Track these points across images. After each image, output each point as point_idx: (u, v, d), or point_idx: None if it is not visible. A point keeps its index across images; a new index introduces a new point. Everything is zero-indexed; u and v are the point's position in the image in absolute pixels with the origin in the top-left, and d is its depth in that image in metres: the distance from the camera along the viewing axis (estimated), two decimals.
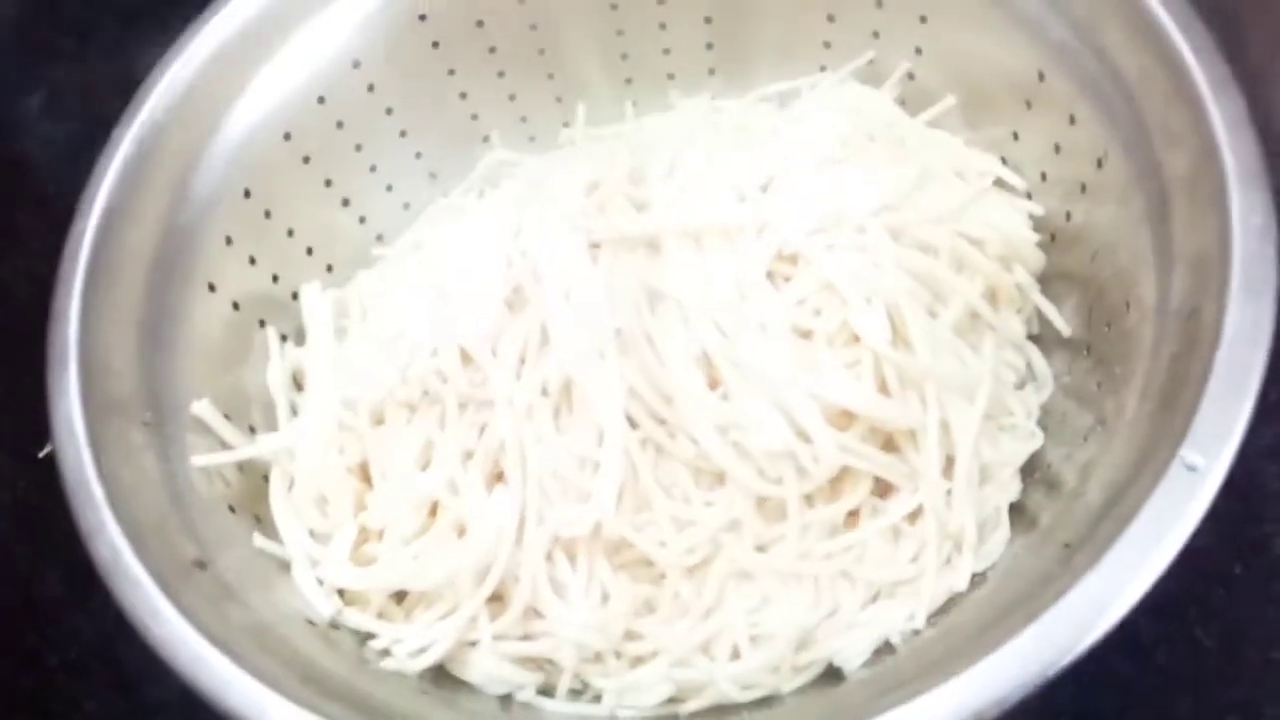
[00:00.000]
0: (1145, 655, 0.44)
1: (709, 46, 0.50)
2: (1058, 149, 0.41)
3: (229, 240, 0.42)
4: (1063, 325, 0.40)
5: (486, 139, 0.51)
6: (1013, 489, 0.37)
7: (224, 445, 0.39)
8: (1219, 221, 0.31)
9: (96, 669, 0.48)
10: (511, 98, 0.50)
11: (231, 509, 0.38)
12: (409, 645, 0.36)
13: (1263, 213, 0.31)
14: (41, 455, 0.51)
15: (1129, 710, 0.43)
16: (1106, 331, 0.37)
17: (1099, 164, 0.38)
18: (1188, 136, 0.33)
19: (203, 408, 0.39)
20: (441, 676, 0.36)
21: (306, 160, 0.45)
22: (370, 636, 0.37)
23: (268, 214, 0.44)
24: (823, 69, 0.49)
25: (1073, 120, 0.39)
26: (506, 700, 0.36)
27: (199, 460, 0.38)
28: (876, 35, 0.46)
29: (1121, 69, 0.37)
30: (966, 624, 0.32)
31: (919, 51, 0.46)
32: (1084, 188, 0.39)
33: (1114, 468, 0.31)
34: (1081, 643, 0.26)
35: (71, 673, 0.48)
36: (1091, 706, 0.43)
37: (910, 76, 0.46)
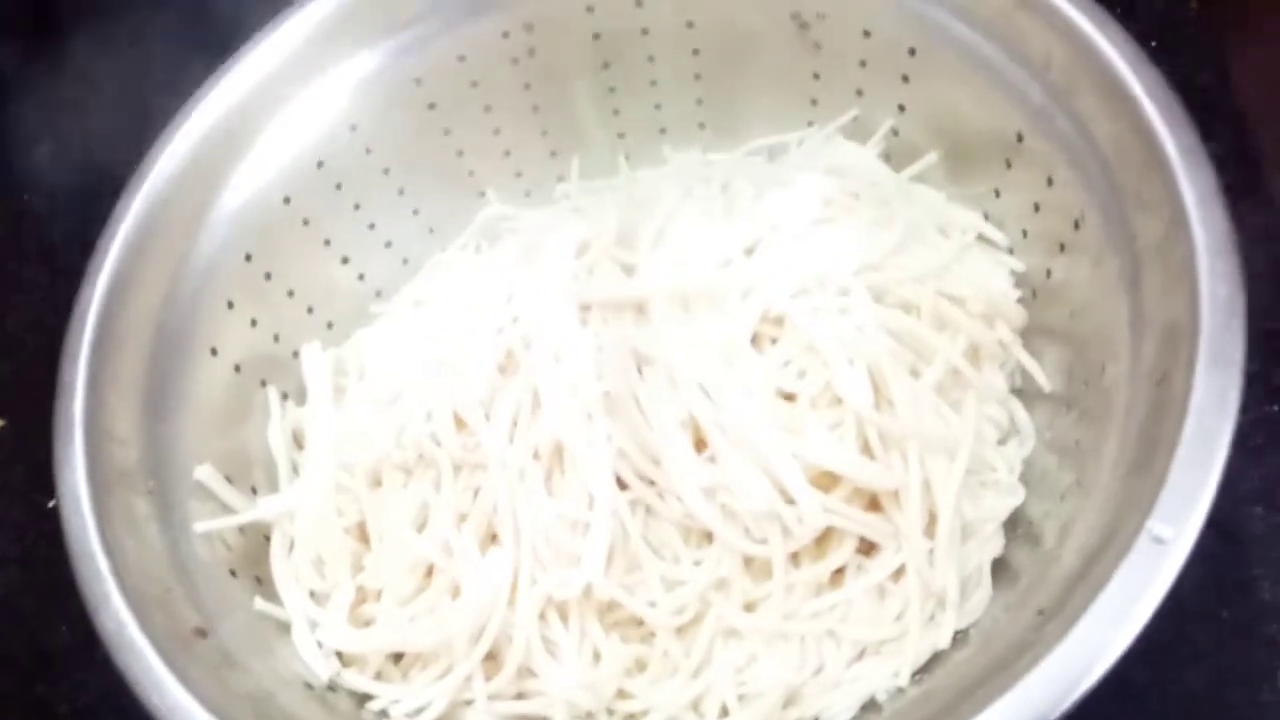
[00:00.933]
0: (1137, 700, 0.45)
1: (699, 102, 0.51)
2: (1037, 208, 0.41)
3: (230, 304, 0.43)
4: (1044, 380, 0.41)
5: (483, 194, 0.52)
6: (995, 544, 0.38)
7: (226, 509, 0.40)
8: (1188, 290, 0.32)
9: (105, 716, 0.49)
10: (506, 154, 0.52)
11: (233, 573, 0.39)
12: (406, 706, 0.37)
13: (1230, 284, 0.32)
14: (51, 505, 0.53)
15: None
16: (1085, 389, 0.38)
17: (1076, 225, 0.39)
18: (1159, 205, 0.34)
19: (205, 473, 0.40)
20: None
21: (306, 222, 0.47)
22: (368, 698, 0.37)
23: (268, 276, 0.45)
24: (810, 124, 0.50)
25: (1051, 181, 0.40)
26: None
27: (202, 526, 0.39)
28: (860, 93, 0.47)
29: (1096, 135, 0.37)
30: (948, 686, 0.33)
31: (902, 109, 0.47)
32: (1063, 247, 0.40)
33: (1088, 531, 0.32)
34: (1054, 712, 0.27)
35: None
36: None
37: (894, 133, 0.47)
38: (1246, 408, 0.49)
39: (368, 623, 0.39)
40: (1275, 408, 0.50)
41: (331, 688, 0.38)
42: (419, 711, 0.36)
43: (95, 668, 0.51)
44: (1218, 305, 0.31)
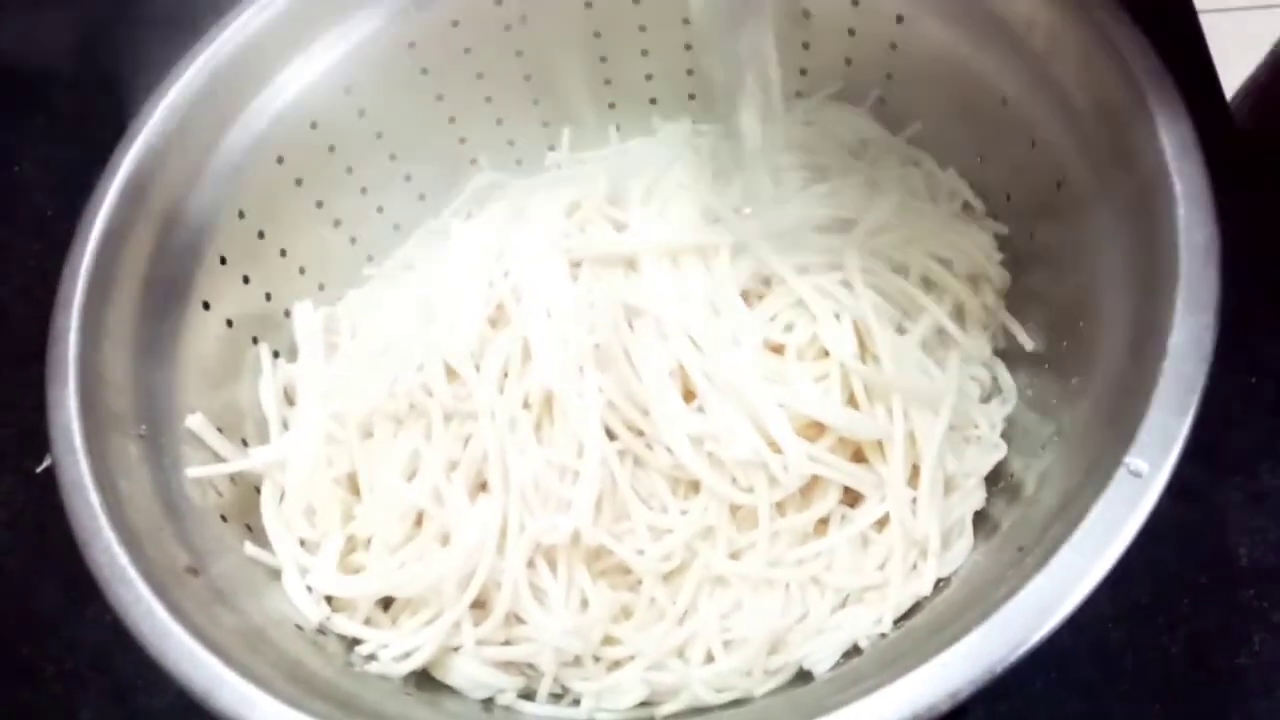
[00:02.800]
0: (1114, 663, 0.45)
1: (689, 73, 0.52)
2: (1020, 171, 0.42)
3: (223, 260, 0.44)
4: (1026, 340, 0.41)
5: (474, 162, 0.52)
6: (977, 498, 0.39)
7: (217, 457, 0.40)
8: (1166, 240, 0.33)
9: (92, 679, 0.49)
10: (499, 122, 0.52)
11: (224, 518, 0.39)
12: (394, 650, 0.37)
13: (1206, 231, 0.32)
14: (40, 470, 0.53)
15: (1098, 716, 0.44)
16: (1065, 346, 0.38)
17: (1058, 186, 0.40)
18: (1139, 160, 0.35)
19: (197, 422, 0.40)
20: (425, 680, 0.37)
21: (299, 183, 0.47)
22: (357, 641, 0.38)
23: (261, 235, 0.46)
24: (799, 94, 0.50)
25: (1033, 144, 0.41)
26: (488, 703, 0.37)
27: (193, 472, 0.39)
28: (849, 62, 0.48)
29: (1077, 95, 0.38)
30: (928, 624, 0.33)
31: (889, 77, 0.47)
32: (1045, 208, 0.41)
33: (1067, 475, 0.32)
34: (1028, 641, 0.27)
35: (68, 683, 0.49)
36: (1060, 712, 0.45)
37: (882, 101, 0.48)
38: (1225, 378, 0.51)
39: (357, 570, 0.39)
40: (1254, 379, 0.51)
41: (321, 631, 0.38)
42: (407, 656, 0.37)
43: (81, 629, 0.51)
44: (1195, 252, 0.32)
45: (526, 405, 0.39)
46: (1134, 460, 0.29)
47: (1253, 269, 0.53)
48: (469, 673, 0.37)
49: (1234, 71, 0.65)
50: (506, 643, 0.37)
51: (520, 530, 0.37)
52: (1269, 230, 0.54)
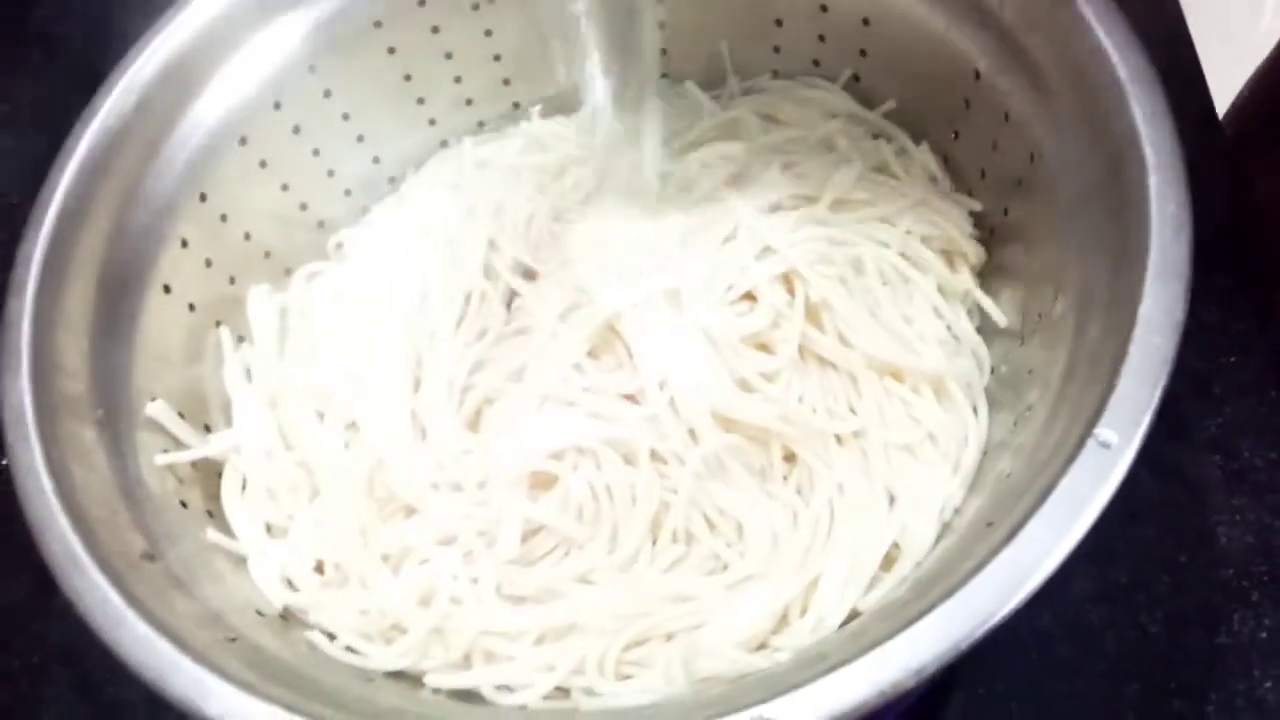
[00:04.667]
0: (1094, 641, 0.45)
1: (664, 52, 0.51)
2: (995, 146, 0.42)
3: (185, 243, 0.43)
4: (1000, 316, 0.41)
5: (444, 143, 0.52)
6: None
7: (177, 443, 0.40)
8: (1137, 210, 0.32)
9: (58, 672, 0.49)
10: (468, 102, 0.51)
11: (183, 504, 0.38)
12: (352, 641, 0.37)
13: (1177, 201, 0.32)
14: (4, 463, 0.52)
15: (1078, 695, 0.44)
16: (1038, 321, 0.38)
17: (1031, 159, 0.39)
18: (1110, 130, 0.34)
19: (158, 409, 0.40)
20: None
21: (263, 165, 0.46)
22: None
23: (224, 218, 0.45)
24: (774, 73, 0.50)
25: (1007, 118, 0.40)
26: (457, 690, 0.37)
27: (161, 459, 0.39)
28: (823, 39, 0.48)
29: (1049, 67, 0.38)
30: (896, 601, 0.33)
31: (863, 54, 0.47)
32: (1019, 183, 0.40)
33: (1035, 447, 0.32)
34: (995, 616, 0.27)
35: (33, 677, 0.49)
36: (1041, 690, 0.44)
37: (856, 78, 0.48)
38: (1206, 357, 0.51)
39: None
40: (1234, 358, 0.51)
41: (283, 616, 0.37)
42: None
43: (48, 622, 0.50)
44: (1166, 221, 0.31)
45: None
46: (1103, 431, 0.28)
47: (1234, 251, 0.53)
48: None
49: (1215, 48, 0.65)
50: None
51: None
52: (1250, 212, 0.54)
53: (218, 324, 0.44)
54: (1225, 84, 0.64)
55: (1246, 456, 0.48)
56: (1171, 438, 0.49)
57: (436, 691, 0.36)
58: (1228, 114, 0.66)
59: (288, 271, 0.48)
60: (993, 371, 0.41)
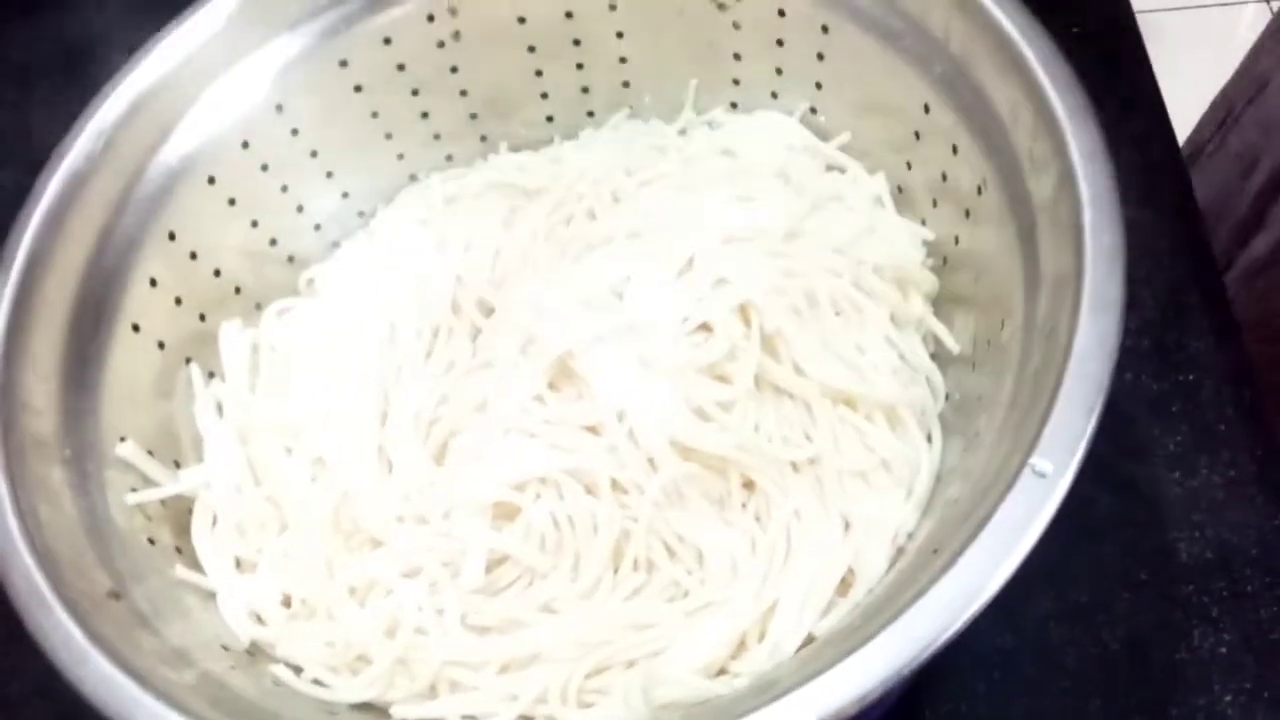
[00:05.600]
0: (1055, 659, 0.46)
1: (625, 85, 0.52)
2: (945, 177, 0.43)
3: (154, 282, 0.44)
4: (953, 344, 0.42)
5: (413, 177, 0.53)
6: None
7: (147, 480, 0.40)
8: (1074, 243, 0.33)
9: (37, 705, 0.49)
10: (436, 137, 0.52)
11: (151, 541, 0.39)
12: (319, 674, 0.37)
13: (1113, 233, 0.33)
14: None
15: (1041, 713, 0.45)
16: (988, 348, 0.39)
17: (979, 190, 0.40)
18: (1050, 164, 0.35)
19: (127, 450, 0.40)
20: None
21: (232, 203, 0.47)
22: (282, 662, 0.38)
23: (193, 255, 0.45)
24: (733, 105, 0.51)
25: (955, 150, 0.41)
26: None
27: (132, 498, 0.39)
28: (780, 72, 0.49)
29: (993, 101, 0.39)
30: (845, 628, 0.34)
31: (819, 86, 0.48)
32: (968, 213, 0.41)
33: (983, 474, 0.33)
34: (936, 642, 0.27)
35: (10, 711, 0.49)
36: (1003, 708, 0.45)
37: (813, 110, 0.49)
38: (1164, 377, 0.52)
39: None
40: (1191, 376, 0.52)
41: (250, 652, 0.38)
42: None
43: (24, 656, 0.51)
44: (1100, 253, 0.32)
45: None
46: (1039, 461, 0.29)
47: (1190, 272, 0.54)
48: None
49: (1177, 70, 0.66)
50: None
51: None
52: (1200, 234, 0.55)
53: (188, 361, 0.45)
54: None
55: (1205, 474, 0.49)
56: (1130, 456, 0.50)
57: None
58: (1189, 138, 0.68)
59: (258, 306, 0.48)
60: (947, 398, 0.41)
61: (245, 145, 0.47)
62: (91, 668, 0.31)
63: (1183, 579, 0.47)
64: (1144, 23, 0.62)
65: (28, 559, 0.33)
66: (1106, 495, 0.48)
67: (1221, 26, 1.34)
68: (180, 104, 0.45)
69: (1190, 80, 0.75)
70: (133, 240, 0.43)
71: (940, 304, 0.43)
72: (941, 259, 0.44)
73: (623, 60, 0.51)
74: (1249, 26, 1.32)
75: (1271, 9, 1.31)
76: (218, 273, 0.47)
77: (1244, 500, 0.48)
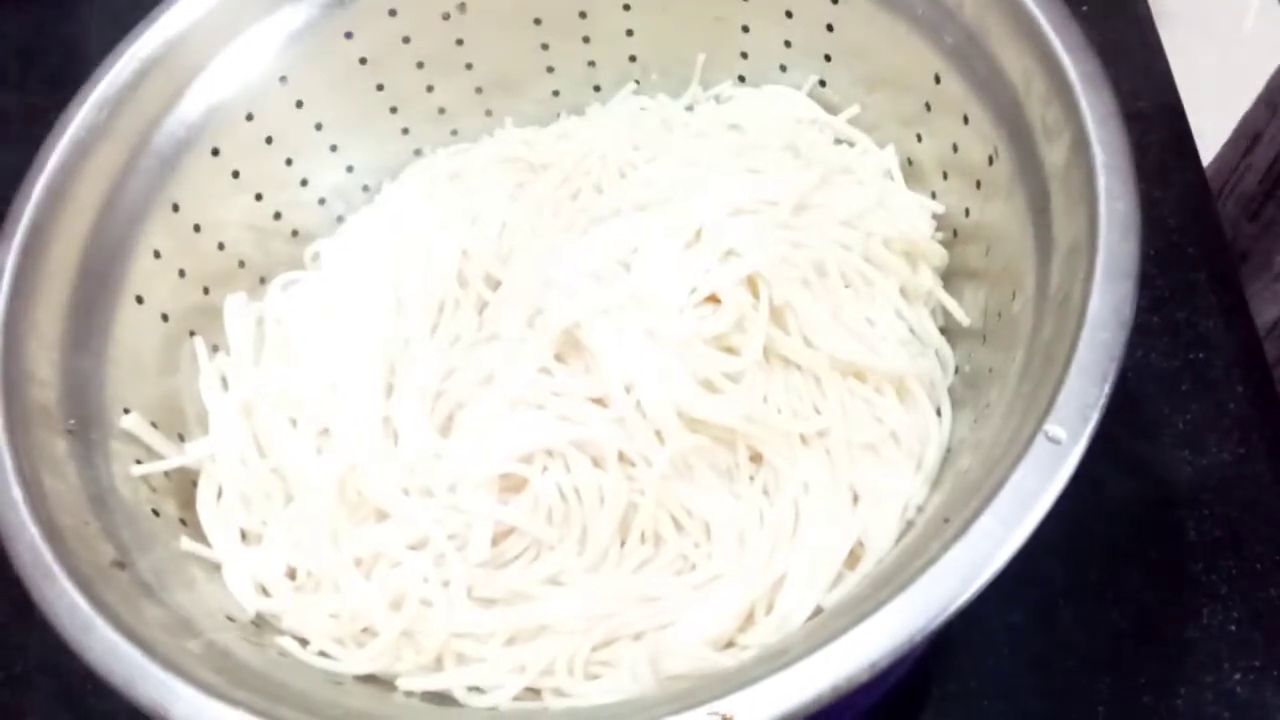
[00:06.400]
0: (1064, 637, 0.45)
1: (632, 59, 0.52)
2: (955, 148, 0.42)
3: (157, 254, 0.43)
4: (963, 317, 0.41)
5: (418, 151, 0.52)
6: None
7: (151, 452, 0.40)
8: (1088, 210, 0.33)
9: (41, 683, 0.49)
10: (441, 111, 0.52)
11: (155, 512, 0.38)
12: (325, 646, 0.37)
13: (1126, 200, 0.32)
14: None
15: (1049, 691, 0.45)
16: (998, 320, 0.38)
17: (990, 161, 0.40)
18: (1062, 131, 0.35)
19: (132, 421, 0.40)
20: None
21: (236, 175, 0.47)
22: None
23: (197, 228, 0.45)
24: (741, 79, 0.50)
25: (966, 120, 0.41)
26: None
27: (137, 470, 0.39)
28: (789, 44, 0.48)
29: (1005, 69, 0.38)
30: (855, 597, 0.33)
31: (828, 59, 0.47)
32: (979, 184, 0.41)
33: (994, 444, 0.32)
34: (948, 609, 0.27)
35: (16, 687, 0.49)
36: (1012, 686, 0.45)
37: (822, 83, 0.48)
38: (1174, 355, 0.51)
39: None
40: (1201, 355, 0.51)
41: (255, 623, 0.38)
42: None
43: (30, 634, 0.51)
44: (1115, 220, 0.32)
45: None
46: (1052, 427, 0.29)
47: (1201, 249, 0.54)
48: None
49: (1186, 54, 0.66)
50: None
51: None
52: (1212, 213, 0.54)
53: (191, 334, 0.45)
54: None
55: (1214, 452, 0.49)
56: (1140, 435, 0.49)
57: (408, 694, 0.36)
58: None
59: (262, 280, 0.48)
60: (956, 371, 0.41)
61: (249, 118, 0.46)
62: (97, 636, 0.31)
63: (1192, 557, 0.47)
64: (1154, 7, 0.62)
65: (33, 529, 0.33)
66: (1116, 473, 0.48)
67: (1231, 12, 1.33)
68: (184, 76, 0.44)
69: (1200, 64, 0.74)
70: (136, 212, 0.43)
71: (950, 277, 0.43)
72: (952, 231, 0.43)
73: (629, 34, 0.51)
74: (1258, 12, 1.31)
75: None
76: (222, 246, 0.46)
77: (1253, 479, 0.48)
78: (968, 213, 0.42)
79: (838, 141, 0.47)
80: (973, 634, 0.46)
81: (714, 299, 0.40)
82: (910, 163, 0.45)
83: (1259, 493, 0.47)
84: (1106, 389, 0.30)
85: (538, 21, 0.50)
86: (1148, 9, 0.62)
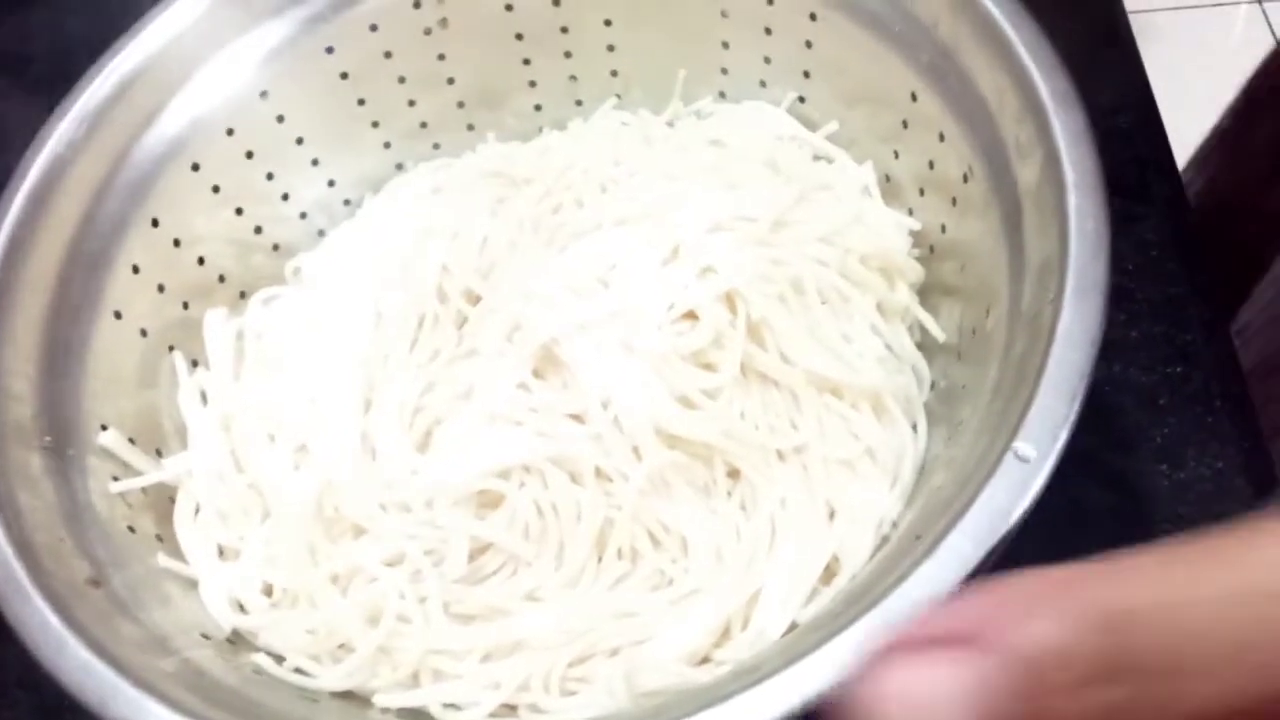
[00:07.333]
0: None
1: (614, 74, 0.52)
2: (932, 165, 0.43)
3: (136, 269, 0.43)
4: (939, 333, 0.42)
5: (400, 166, 0.52)
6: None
7: (128, 468, 0.40)
8: (1059, 228, 0.33)
9: (18, 697, 0.49)
10: (423, 125, 0.52)
11: (131, 529, 0.38)
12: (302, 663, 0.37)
13: (1097, 218, 0.33)
14: None
15: None
16: (973, 337, 0.39)
17: (965, 178, 0.40)
18: (1035, 149, 0.35)
19: (110, 439, 0.40)
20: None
21: (216, 190, 0.47)
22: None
23: (177, 243, 0.45)
24: (721, 95, 0.51)
25: (942, 137, 0.41)
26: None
27: (115, 487, 0.39)
28: (768, 61, 0.48)
29: (980, 87, 0.39)
30: (829, 613, 0.34)
31: (807, 75, 0.48)
32: (954, 201, 0.41)
33: (964, 461, 0.33)
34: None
35: None
36: None
37: (801, 99, 0.48)
38: (1152, 369, 0.52)
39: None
40: (1179, 369, 0.51)
41: (231, 640, 0.38)
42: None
43: (7, 648, 0.50)
44: (1085, 239, 0.32)
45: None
46: (1022, 446, 0.29)
47: (1178, 265, 0.54)
48: None
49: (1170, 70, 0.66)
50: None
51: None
52: (1191, 227, 0.55)
53: (171, 349, 0.45)
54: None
55: (1192, 466, 0.49)
56: (1118, 448, 0.49)
57: (384, 711, 0.36)
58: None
59: (243, 295, 0.48)
60: (933, 387, 0.41)
61: (230, 132, 0.46)
62: (69, 656, 0.31)
63: None
64: (1137, 22, 0.62)
65: (5, 547, 0.33)
66: (1094, 487, 0.48)
67: (1215, 27, 1.34)
68: (164, 90, 0.45)
69: (1183, 80, 0.75)
70: (115, 226, 0.43)
71: (927, 293, 0.43)
72: (928, 248, 0.44)
73: (611, 48, 0.51)
74: (1242, 28, 1.32)
75: (1264, 10, 1.31)
76: (201, 260, 0.46)
77: (1232, 492, 0.48)
78: (944, 229, 0.42)
79: (816, 158, 0.47)
80: None
81: (692, 315, 0.40)
82: (888, 179, 0.45)
83: (1237, 506, 0.47)
84: (1076, 407, 0.30)
85: (519, 36, 0.50)
86: (1128, 24, 0.62)
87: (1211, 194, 0.64)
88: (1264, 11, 1.31)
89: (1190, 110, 0.70)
